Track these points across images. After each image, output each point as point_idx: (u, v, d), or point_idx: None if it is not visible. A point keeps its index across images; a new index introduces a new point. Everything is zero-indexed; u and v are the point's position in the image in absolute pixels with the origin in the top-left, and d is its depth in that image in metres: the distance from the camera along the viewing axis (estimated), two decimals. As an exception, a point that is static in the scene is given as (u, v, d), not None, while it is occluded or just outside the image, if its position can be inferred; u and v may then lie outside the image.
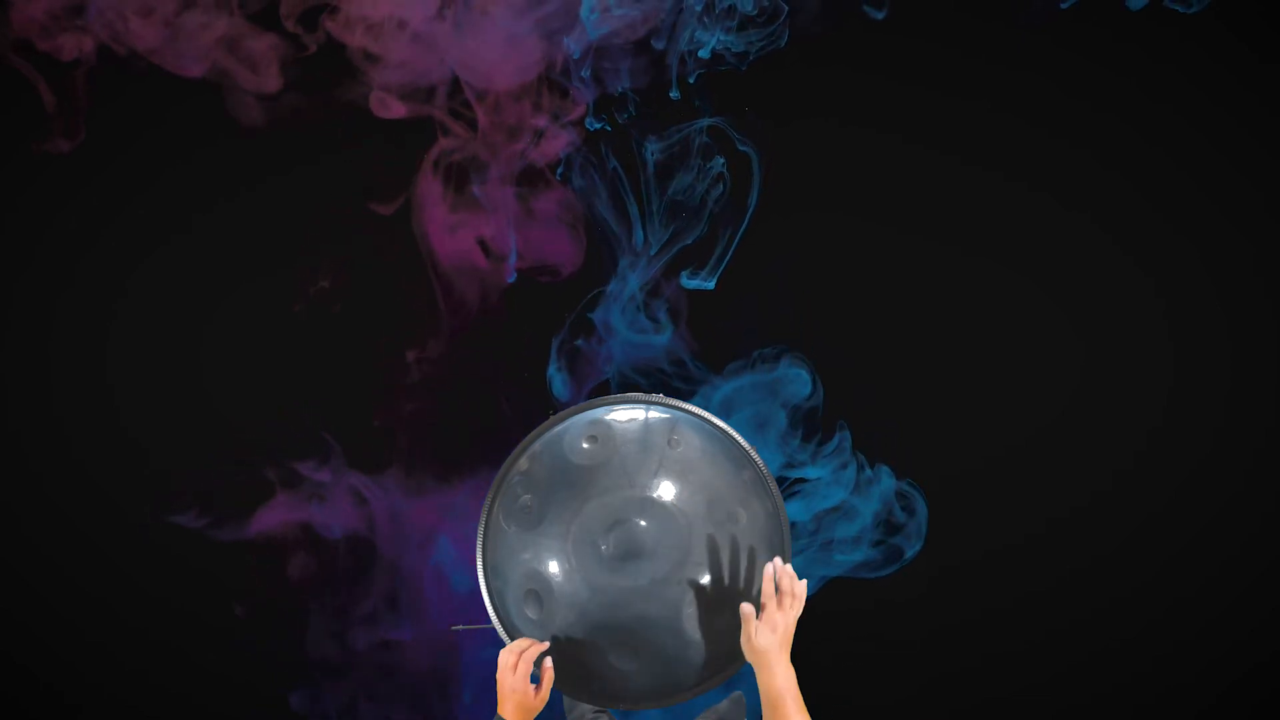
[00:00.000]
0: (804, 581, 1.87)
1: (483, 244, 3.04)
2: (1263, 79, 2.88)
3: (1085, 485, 2.97)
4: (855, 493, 2.92)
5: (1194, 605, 2.93)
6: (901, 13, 2.89)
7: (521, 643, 1.92)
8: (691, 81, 2.91)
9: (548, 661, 1.92)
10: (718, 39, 2.88)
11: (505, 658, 1.91)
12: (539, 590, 1.94)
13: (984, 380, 2.97)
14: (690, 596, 1.90)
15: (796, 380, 2.93)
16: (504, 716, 1.90)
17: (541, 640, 1.94)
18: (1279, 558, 2.91)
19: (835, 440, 2.93)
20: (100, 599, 3.06)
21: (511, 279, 3.03)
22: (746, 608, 1.83)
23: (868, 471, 2.93)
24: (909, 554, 2.92)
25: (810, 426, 2.94)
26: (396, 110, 2.98)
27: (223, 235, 3.06)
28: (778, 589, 1.84)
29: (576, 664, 1.94)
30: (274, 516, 3.04)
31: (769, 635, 1.81)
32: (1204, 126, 2.90)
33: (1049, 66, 2.91)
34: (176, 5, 2.90)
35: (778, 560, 1.87)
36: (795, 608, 1.84)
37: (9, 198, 3.01)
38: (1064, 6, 2.84)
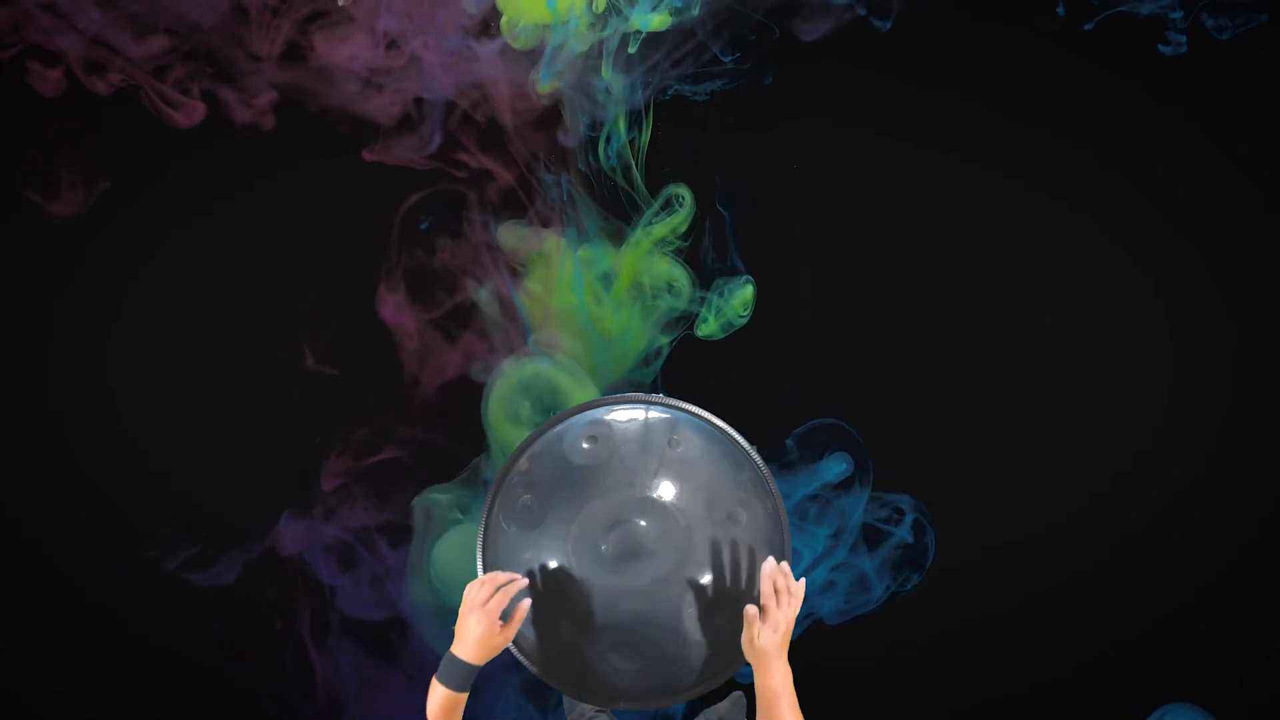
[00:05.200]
0: (802, 580, 1.87)
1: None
2: (1264, 79, 2.88)
3: (1085, 487, 2.97)
4: (856, 551, 2.93)
5: (1195, 607, 2.93)
6: (902, 17, 2.89)
7: (498, 576, 1.83)
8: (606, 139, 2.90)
9: (525, 600, 1.85)
10: (675, 86, 2.89)
11: (478, 590, 1.79)
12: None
13: (983, 381, 2.97)
14: (690, 596, 1.90)
15: (835, 469, 2.93)
16: (459, 655, 1.78)
17: (537, 638, 1.93)
18: (1279, 559, 2.92)
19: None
20: (100, 600, 3.06)
21: (530, 338, 3.00)
22: (751, 609, 1.83)
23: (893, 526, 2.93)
24: (909, 586, 2.94)
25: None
26: (386, 157, 2.97)
27: (223, 236, 3.06)
28: (775, 589, 1.85)
29: (576, 664, 1.94)
30: (277, 533, 3.04)
31: (770, 635, 1.81)
32: (1205, 127, 2.90)
33: (1049, 68, 2.91)
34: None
35: (772, 560, 1.87)
36: (794, 606, 1.84)
37: (9, 196, 3.01)
38: (1087, 28, 2.84)
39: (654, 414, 2.02)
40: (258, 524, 3.03)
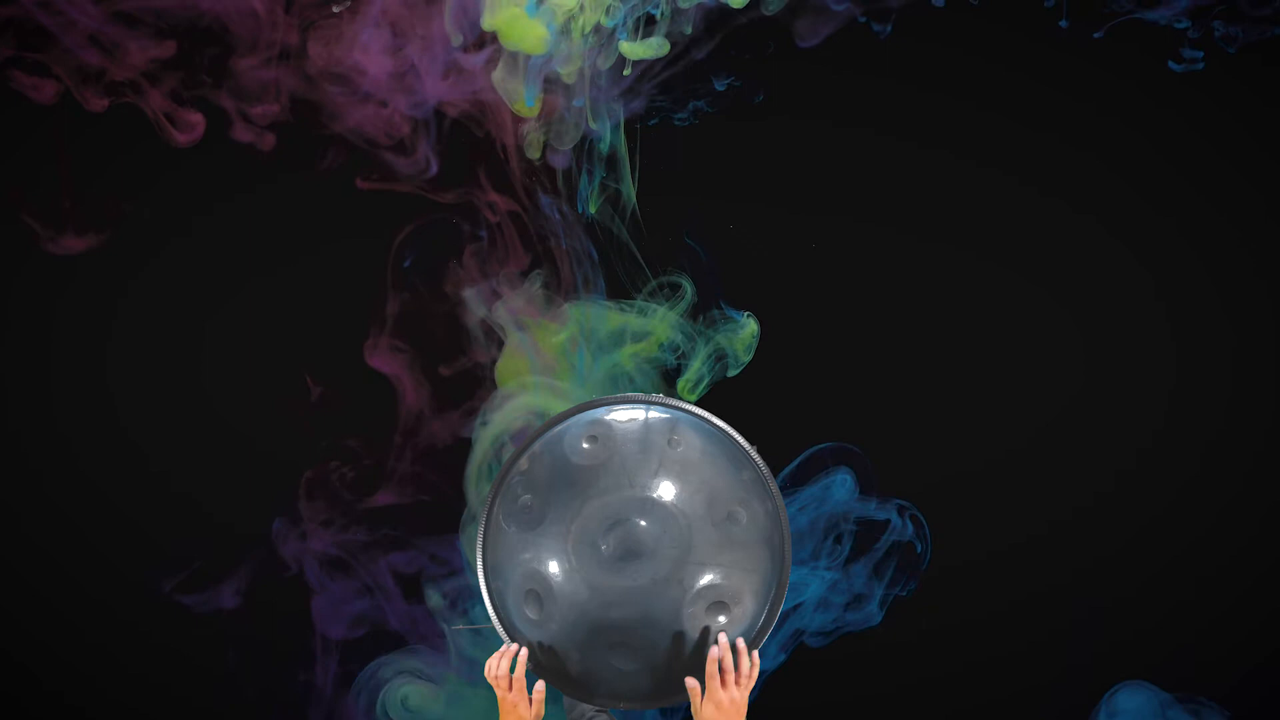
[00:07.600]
0: (755, 656, 1.87)
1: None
2: (1265, 81, 2.88)
3: (1087, 486, 2.97)
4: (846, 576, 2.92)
5: (1195, 607, 2.93)
6: (903, 20, 2.89)
7: (506, 653, 1.93)
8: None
9: (540, 684, 1.91)
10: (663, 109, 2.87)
11: (497, 677, 1.91)
12: (539, 590, 1.94)
13: (985, 381, 2.97)
14: (690, 597, 1.90)
15: (841, 487, 2.92)
16: None
17: (537, 639, 1.94)
18: (1279, 559, 2.92)
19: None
20: (100, 600, 3.06)
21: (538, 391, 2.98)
22: (691, 683, 1.85)
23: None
24: (907, 591, 2.93)
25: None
26: (388, 185, 2.95)
27: (223, 239, 3.06)
28: (720, 667, 1.84)
29: (577, 664, 1.94)
30: (273, 539, 3.04)
31: (712, 711, 1.82)
32: (1206, 129, 2.90)
33: (1052, 70, 2.91)
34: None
35: (724, 639, 1.87)
36: (745, 684, 1.84)
37: (9, 196, 3.01)
38: (1097, 36, 2.83)
39: (654, 414, 2.02)
40: (256, 525, 3.03)
